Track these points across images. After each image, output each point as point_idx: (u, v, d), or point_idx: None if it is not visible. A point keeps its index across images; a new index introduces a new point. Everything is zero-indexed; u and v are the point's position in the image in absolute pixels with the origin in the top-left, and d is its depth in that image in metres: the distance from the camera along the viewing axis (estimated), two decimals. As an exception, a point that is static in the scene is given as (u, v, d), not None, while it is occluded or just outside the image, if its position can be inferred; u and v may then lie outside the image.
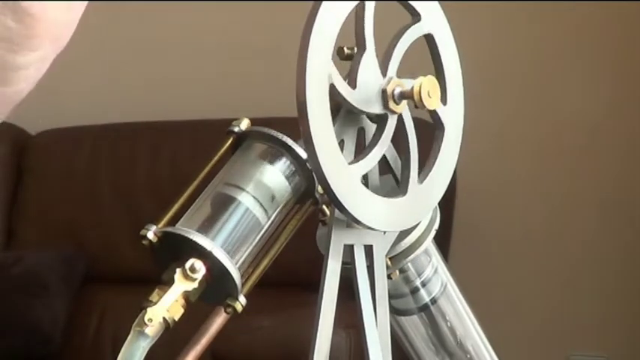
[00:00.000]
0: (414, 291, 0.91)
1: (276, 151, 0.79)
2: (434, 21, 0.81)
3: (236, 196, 0.77)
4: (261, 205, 0.77)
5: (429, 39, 0.81)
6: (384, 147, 0.77)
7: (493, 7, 2.72)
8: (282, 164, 0.79)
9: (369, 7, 0.76)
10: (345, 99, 0.75)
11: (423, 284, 0.91)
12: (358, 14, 0.76)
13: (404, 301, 0.91)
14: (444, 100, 0.79)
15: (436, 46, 0.81)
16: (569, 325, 2.75)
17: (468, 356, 0.94)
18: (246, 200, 0.77)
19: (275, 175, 0.79)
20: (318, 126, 0.72)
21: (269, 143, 0.80)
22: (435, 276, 0.91)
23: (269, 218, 0.78)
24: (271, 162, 0.79)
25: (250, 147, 0.80)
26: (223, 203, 0.77)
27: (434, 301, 0.92)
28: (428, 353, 0.93)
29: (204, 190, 0.79)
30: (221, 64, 2.91)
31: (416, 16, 0.80)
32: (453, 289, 0.93)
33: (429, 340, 0.93)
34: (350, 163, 0.75)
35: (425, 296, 0.91)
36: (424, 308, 0.92)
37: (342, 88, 0.74)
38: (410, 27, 0.79)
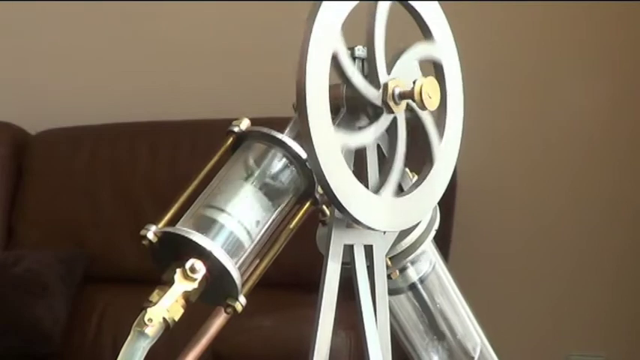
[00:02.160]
0: (403, 269, 0.91)
1: (276, 151, 0.79)
2: (445, 47, 0.81)
3: (217, 218, 0.76)
4: (245, 228, 0.77)
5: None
6: (375, 133, 0.77)
7: (494, 8, 2.72)
8: (282, 165, 0.79)
9: (382, 9, 0.77)
10: (348, 78, 0.75)
11: (412, 262, 0.91)
12: (371, 12, 0.76)
13: (392, 280, 0.91)
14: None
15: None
16: (568, 325, 2.75)
17: (457, 337, 0.94)
18: (229, 223, 0.76)
19: (258, 197, 0.78)
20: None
21: (269, 143, 0.80)
22: (424, 255, 0.91)
23: (252, 241, 0.77)
24: (257, 180, 0.79)
25: (250, 147, 0.80)
26: (206, 226, 0.76)
27: (422, 280, 0.92)
28: (416, 335, 0.93)
29: (204, 190, 0.79)
30: (221, 64, 2.91)
31: (429, 38, 0.81)
32: (442, 269, 0.93)
33: (418, 321, 0.93)
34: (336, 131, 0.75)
35: (413, 275, 0.91)
36: (412, 287, 0.92)
37: (348, 66, 0.75)
38: (423, 46, 0.80)
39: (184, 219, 0.76)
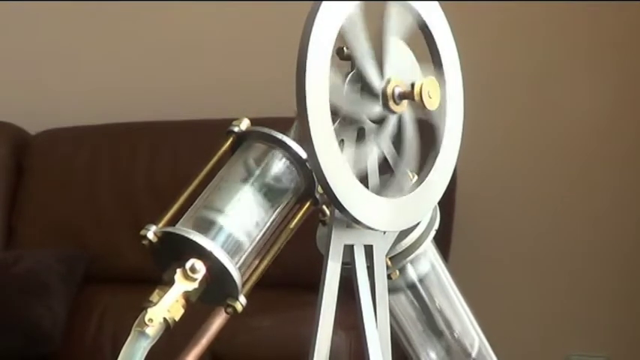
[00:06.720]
0: (402, 269, 0.91)
1: (276, 151, 0.79)
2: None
3: (216, 219, 0.76)
4: (244, 229, 0.77)
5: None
6: (382, 145, 0.77)
7: (495, 8, 2.72)
8: (282, 165, 0.79)
9: (354, 19, 0.76)
10: (343, 109, 0.75)
11: (411, 262, 0.91)
12: (346, 26, 0.75)
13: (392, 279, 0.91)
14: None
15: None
16: (568, 325, 2.75)
17: (455, 334, 0.94)
18: (228, 225, 0.76)
19: (258, 198, 0.78)
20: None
21: (269, 143, 0.80)
22: (424, 255, 0.91)
23: (252, 242, 0.77)
24: (255, 182, 0.79)
25: (250, 147, 0.80)
26: (205, 227, 0.76)
27: (421, 279, 0.92)
28: (415, 333, 0.93)
29: (204, 190, 0.79)
30: (221, 64, 2.91)
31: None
32: (441, 268, 0.93)
33: (416, 319, 0.93)
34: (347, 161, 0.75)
35: (413, 274, 0.91)
36: (411, 286, 0.92)
37: (340, 98, 0.75)
38: (392, 13, 0.78)
39: (184, 219, 0.76)
